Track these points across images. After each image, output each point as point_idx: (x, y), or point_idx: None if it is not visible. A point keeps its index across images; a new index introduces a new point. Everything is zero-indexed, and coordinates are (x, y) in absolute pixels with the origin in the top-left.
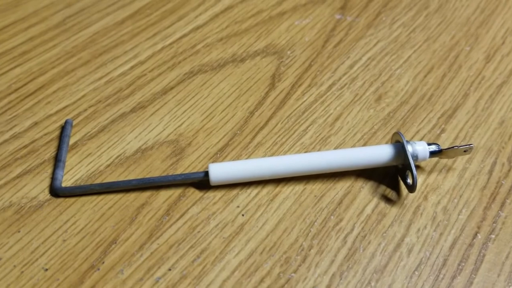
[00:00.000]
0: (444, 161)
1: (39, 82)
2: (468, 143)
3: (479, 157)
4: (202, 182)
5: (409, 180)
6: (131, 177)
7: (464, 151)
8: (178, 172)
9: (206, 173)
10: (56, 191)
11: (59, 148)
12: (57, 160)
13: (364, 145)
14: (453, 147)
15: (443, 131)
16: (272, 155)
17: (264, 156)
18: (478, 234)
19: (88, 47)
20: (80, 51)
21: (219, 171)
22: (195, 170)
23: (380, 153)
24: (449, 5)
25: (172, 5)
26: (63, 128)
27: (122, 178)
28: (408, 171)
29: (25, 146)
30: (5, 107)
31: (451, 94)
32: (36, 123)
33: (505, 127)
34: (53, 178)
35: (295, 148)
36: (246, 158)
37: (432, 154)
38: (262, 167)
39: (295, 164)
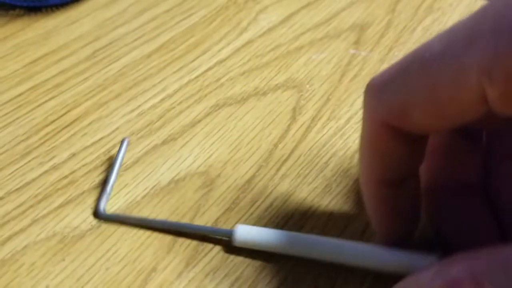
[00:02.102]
0: None
1: (74, 114)
2: None
3: None
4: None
5: None
6: (167, 207)
7: None
8: (210, 202)
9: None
10: (100, 216)
11: (110, 171)
12: (105, 184)
13: None
14: None
15: None
16: (296, 186)
17: (288, 189)
18: None
19: (118, 80)
20: (111, 84)
21: (244, 234)
22: (225, 201)
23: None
24: None
25: (194, 40)
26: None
27: (158, 208)
28: None
29: (65, 177)
30: (43, 138)
31: None
32: (74, 155)
33: None
34: (98, 203)
35: (318, 180)
36: (272, 190)
37: None
38: (291, 243)
39: (330, 251)
